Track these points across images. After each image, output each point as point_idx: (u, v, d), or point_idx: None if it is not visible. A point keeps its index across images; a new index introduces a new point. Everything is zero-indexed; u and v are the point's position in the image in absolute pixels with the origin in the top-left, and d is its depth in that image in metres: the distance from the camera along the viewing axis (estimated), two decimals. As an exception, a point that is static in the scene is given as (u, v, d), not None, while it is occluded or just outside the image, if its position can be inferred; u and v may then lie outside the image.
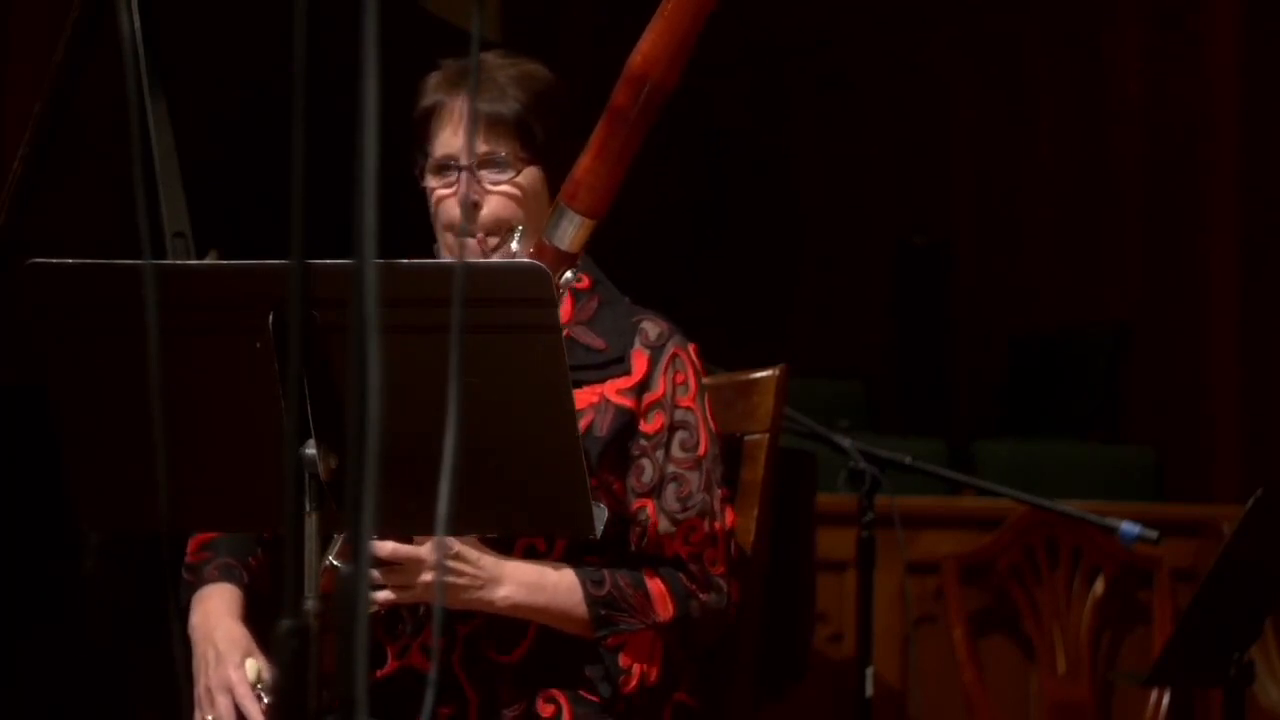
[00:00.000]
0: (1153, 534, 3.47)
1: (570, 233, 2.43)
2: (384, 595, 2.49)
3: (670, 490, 2.64)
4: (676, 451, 2.65)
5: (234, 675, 2.55)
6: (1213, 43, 6.63)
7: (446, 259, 2.65)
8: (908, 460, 3.76)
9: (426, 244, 2.70)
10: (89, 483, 2.31)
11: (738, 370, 2.95)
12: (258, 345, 2.18)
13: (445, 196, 2.64)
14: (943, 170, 7.67)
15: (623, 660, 2.62)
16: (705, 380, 2.74)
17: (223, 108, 3.55)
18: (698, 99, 7.02)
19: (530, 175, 2.63)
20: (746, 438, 2.87)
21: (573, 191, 2.43)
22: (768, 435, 2.85)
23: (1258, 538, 3.42)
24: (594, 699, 2.61)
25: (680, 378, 2.67)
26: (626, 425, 2.63)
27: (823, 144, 8.09)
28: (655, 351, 2.67)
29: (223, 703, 2.55)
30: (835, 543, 4.39)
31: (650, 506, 2.63)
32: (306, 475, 2.17)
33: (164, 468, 2.19)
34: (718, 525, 2.66)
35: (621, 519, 2.64)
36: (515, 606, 2.55)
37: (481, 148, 2.62)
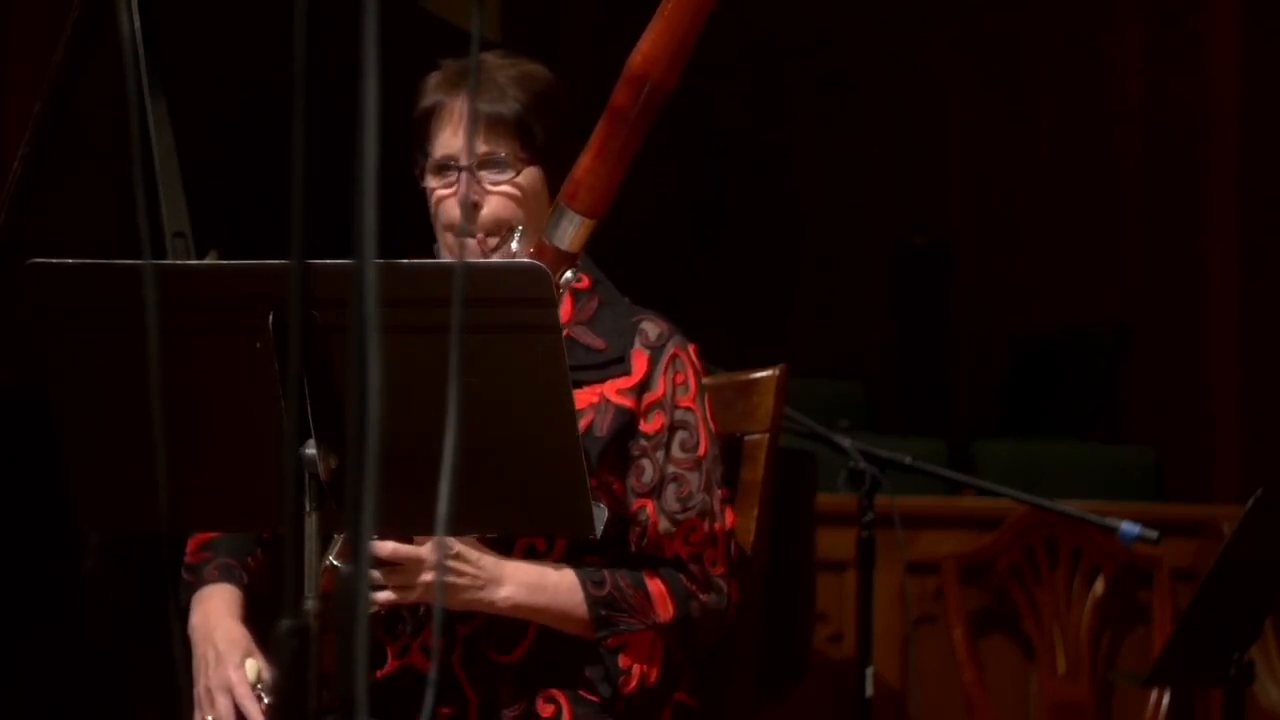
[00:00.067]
0: (1153, 534, 3.47)
1: (570, 232, 2.43)
2: (384, 595, 2.49)
3: (670, 490, 2.64)
4: (676, 452, 2.65)
5: (234, 675, 2.55)
6: (1213, 43, 6.63)
7: (446, 259, 2.65)
8: (908, 460, 3.76)
9: (426, 244, 2.70)
10: (89, 483, 2.31)
11: (738, 370, 2.95)
12: (258, 345, 2.18)
13: (445, 197, 2.64)
14: (943, 170, 7.67)
15: (623, 661, 2.62)
16: (705, 380, 2.74)
17: (223, 108, 3.55)
18: (698, 99, 7.02)
19: (530, 175, 2.63)
20: (746, 438, 2.87)
21: (573, 191, 2.43)
22: (768, 435, 2.85)
23: (1258, 538, 3.42)
24: (594, 699, 2.61)
25: (680, 378, 2.67)
26: (626, 425, 2.63)
27: (823, 144, 8.09)
28: (655, 352, 2.67)
29: (223, 703, 2.55)
30: (835, 543, 4.39)
31: (650, 507, 2.63)
32: (306, 475, 2.17)
33: (164, 468, 2.19)
34: (718, 526, 2.66)
35: (621, 519, 2.64)
36: (516, 607, 2.55)
37: (481, 148, 2.62)
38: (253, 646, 2.59)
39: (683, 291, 6.74)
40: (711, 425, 2.69)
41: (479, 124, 2.61)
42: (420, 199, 2.67)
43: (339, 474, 2.17)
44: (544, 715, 2.59)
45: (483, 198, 2.62)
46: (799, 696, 4.32)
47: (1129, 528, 3.48)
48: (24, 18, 5.71)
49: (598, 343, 2.66)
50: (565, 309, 2.64)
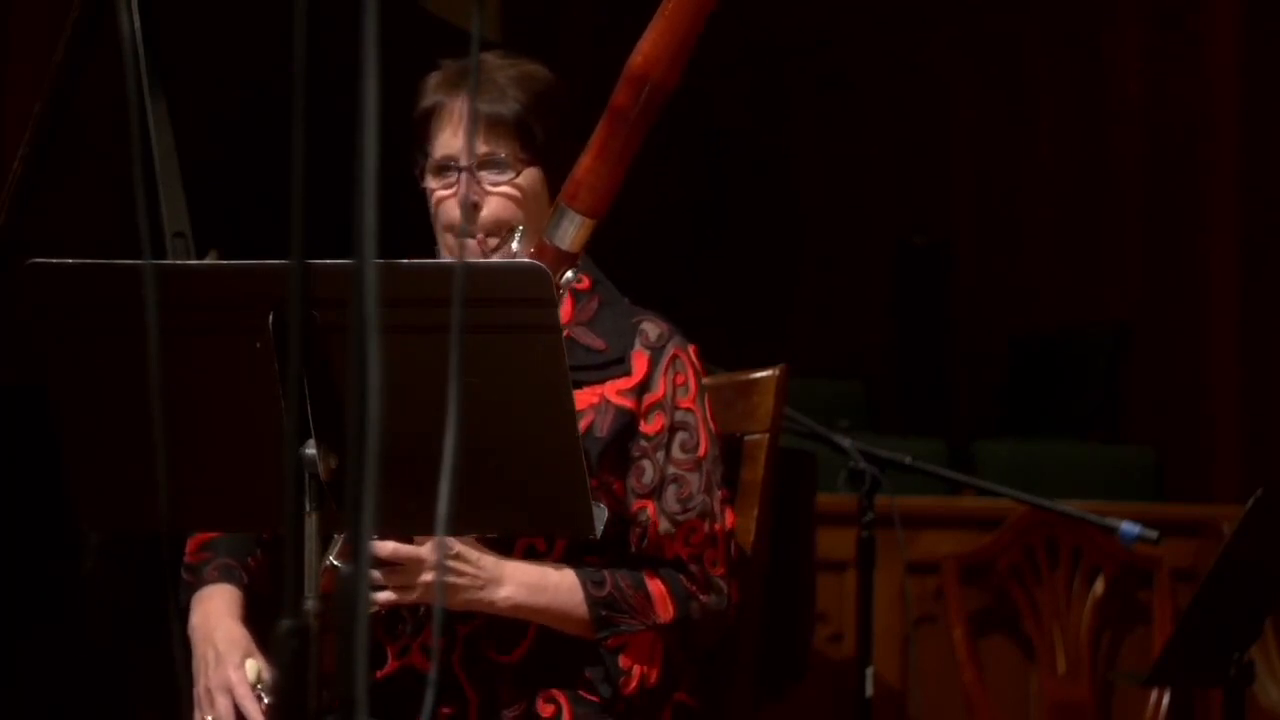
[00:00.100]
0: (1153, 534, 3.47)
1: (571, 233, 2.43)
2: (385, 596, 2.49)
3: (670, 491, 2.64)
4: (677, 453, 2.65)
5: (234, 676, 2.55)
6: (1213, 43, 6.63)
7: (447, 259, 2.65)
8: (908, 460, 3.76)
9: (427, 244, 2.70)
10: (89, 483, 2.31)
11: (738, 370, 2.95)
12: (258, 345, 2.18)
13: (445, 197, 2.64)
14: (943, 170, 7.67)
15: (623, 661, 2.62)
16: (705, 380, 2.74)
17: (222, 108, 3.55)
18: (698, 99, 7.02)
19: (530, 176, 2.63)
20: (746, 438, 2.87)
21: (573, 191, 2.43)
22: (768, 435, 2.85)
23: (1258, 538, 3.42)
24: (594, 699, 2.61)
25: (680, 379, 2.67)
26: (627, 426, 2.63)
27: (823, 144, 8.09)
28: (655, 352, 2.66)
29: (222, 703, 2.55)
30: (835, 543, 4.39)
31: (650, 507, 2.63)
32: (306, 475, 2.17)
33: (164, 468, 2.19)
34: (718, 526, 2.66)
35: (621, 520, 2.64)
36: (516, 607, 2.55)
37: (481, 148, 2.62)
38: (253, 647, 2.59)
39: (683, 291, 6.74)
40: (712, 426, 2.69)
41: (479, 124, 2.61)
42: (420, 199, 2.67)
43: (339, 474, 2.17)
44: (544, 715, 2.59)
45: (483, 198, 2.62)
46: (799, 696, 4.32)
47: (1129, 528, 3.48)
48: (24, 18, 5.71)
49: (598, 343, 2.66)
50: (565, 309, 2.64)
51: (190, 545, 2.70)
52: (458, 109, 2.62)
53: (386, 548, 2.47)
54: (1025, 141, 7.35)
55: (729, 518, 2.69)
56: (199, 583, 2.66)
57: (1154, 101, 6.84)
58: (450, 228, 2.64)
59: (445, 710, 2.59)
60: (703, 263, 8.19)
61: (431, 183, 2.65)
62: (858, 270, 7.90)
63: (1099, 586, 4.78)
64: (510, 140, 2.61)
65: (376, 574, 2.47)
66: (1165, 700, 4.70)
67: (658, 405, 2.65)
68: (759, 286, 8.15)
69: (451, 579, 2.51)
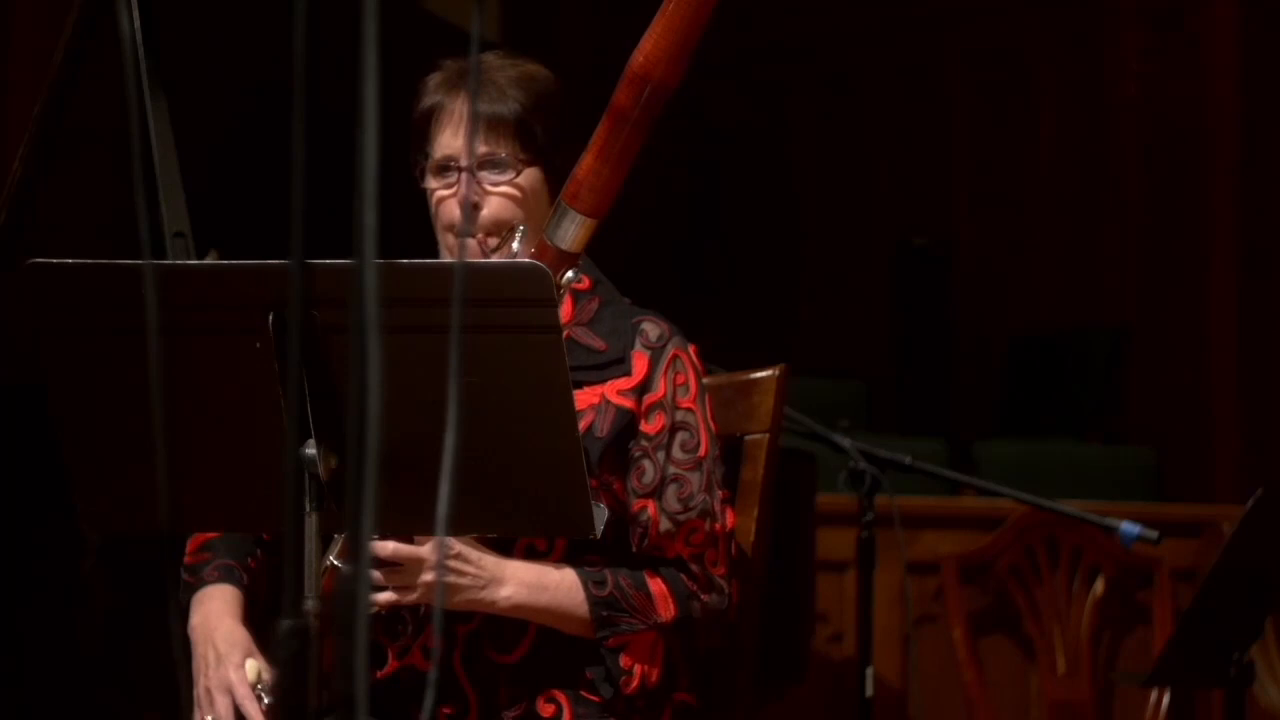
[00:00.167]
0: (1153, 534, 3.47)
1: (572, 232, 2.43)
2: (385, 596, 2.49)
3: (671, 491, 2.64)
4: (677, 452, 2.65)
5: (234, 676, 2.55)
6: (1213, 43, 6.63)
7: (447, 259, 2.65)
8: (908, 460, 3.76)
9: (426, 244, 2.70)
10: (89, 483, 2.31)
11: (738, 370, 2.95)
12: (258, 345, 2.18)
13: (445, 197, 2.64)
14: (943, 170, 7.68)
15: (624, 661, 2.62)
16: (705, 380, 2.73)
17: (223, 107, 3.55)
18: (698, 99, 7.02)
19: (530, 176, 2.63)
20: (746, 438, 2.87)
21: (574, 191, 2.42)
22: (768, 435, 2.85)
23: (1258, 538, 3.42)
24: (595, 699, 2.61)
25: (681, 379, 2.67)
26: (627, 426, 2.63)
27: (823, 144, 8.09)
28: (656, 352, 2.66)
29: (222, 703, 2.55)
30: (835, 543, 4.39)
31: (651, 507, 2.63)
32: (306, 475, 2.17)
33: (164, 468, 2.19)
34: (718, 526, 2.66)
35: (622, 520, 2.64)
36: (517, 607, 2.55)
37: (481, 149, 2.62)
38: (253, 647, 2.59)
39: (683, 291, 6.74)
40: (712, 426, 2.69)
41: (479, 125, 2.61)
42: (420, 199, 2.67)
43: (339, 474, 2.16)
44: (544, 715, 2.59)
45: (483, 198, 2.62)
46: (799, 696, 4.32)
47: (1129, 528, 3.48)
48: (24, 18, 5.71)
49: (598, 343, 2.66)
50: (565, 310, 2.64)
51: (190, 545, 2.70)
52: (458, 109, 2.62)
53: (387, 548, 2.47)
54: (1025, 142, 7.35)
55: (730, 517, 2.69)
56: (199, 583, 2.66)
57: (1154, 102, 6.84)
58: (450, 228, 2.64)
59: (445, 710, 2.59)
60: (703, 263, 8.19)
61: (432, 183, 2.65)
62: (858, 270, 7.90)
63: (1099, 586, 4.78)
64: (510, 140, 2.61)
65: (377, 574, 2.47)
66: (1165, 700, 4.70)
67: (658, 405, 2.65)
68: (759, 286, 8.16)
69: (452, 579, 2.51)
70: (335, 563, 2.39)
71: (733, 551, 2.70)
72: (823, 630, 4.67)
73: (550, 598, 2.57)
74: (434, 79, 2.68)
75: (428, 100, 2.66)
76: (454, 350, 1.99)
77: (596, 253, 2.60)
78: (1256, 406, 6.50)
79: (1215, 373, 6.58)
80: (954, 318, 7.58)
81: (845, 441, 3.76)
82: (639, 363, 2.65)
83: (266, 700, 2.54)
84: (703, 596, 2.64)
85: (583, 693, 2.61)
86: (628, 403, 2.63)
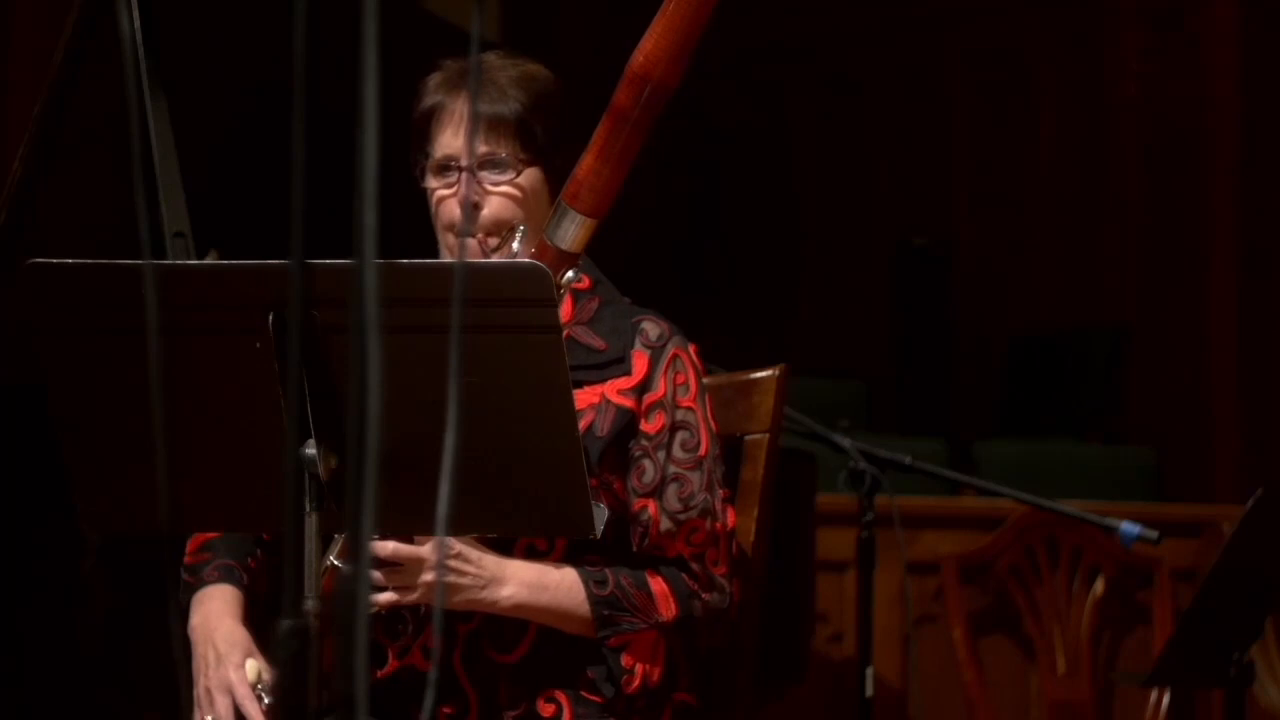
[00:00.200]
0: (1153, 534, 3.47)
1: (572, 232, 2.43)
2: (386, 597, 2.49)
3: (672, 490, 2.64)
4: (678, 452, 2.65)
5: (234, 676, 2.55)
6: (1213, 43, 6.63)
7: (447, 259, 2.65)
8: (908, 460, 3.76)
9: (426, 244, 2.70)
10: (89, 484, 2.31)
11: (738, 370, 2.95)
12: (258, 345, 2.18)
13: (446, 197, 2.64)
14: (943, 170, 7.68)
15: (626, 660, 2.62)
16: (705, 380, 2.73)
17: (223, 107, 3.55)
18: (698, 99, 7.02)
19: (530, 176, 2.63)
20: (746, 438, 2.87)
21: (575, 191, 2.43)
22: (768, 435, 2.85)
23: (1258, 538, 3.42)
24: (596, 699, 2.61)
25: (681, 378, 2.67)
26: (627, 425, 2.63)
27: (823, 144, 8.09)
28: (656, 352, 2.66)
29: (222, 703, 2.55)
30: (835, 543, 4.39)
31: (652, 506, 2.63)
32: (306, 475, 2.17)
33: (164, 468, 2.19)
34: (719, 525, 2.66)
35: (622, 519, 2.64)
36: (518, 606, 2.55)
37: (482, 148, 2.62)
38: (253, 647, 2.59)
39: (683, 291, 6.74)
40: (712, 425, 2.69)
41: (479, 125, 2.61)
42: (420, 199, 2.67)
43: (339, 474, 2.16)
44: (545, 715, 2.59)
45: (483, 198, 2.62)
46: (799, 696, 4.32)
47: (1129, 528, 3.48)
48: (24, 18, 5.71)
49: (598, 343, 2.66)
50: (565, 309, 2.64)
51: (190, 545, 2.70)
52: (458, 109, 2.62)
53: (387, 548, 2.47)
54: (1025, 142, 7.35)
55: (730, 516, 2.69)
56: (199, 583, 2.66)
57: (1154, 102, 6.84)
58: (451, 227, 2.64)
59: (446, 710, 2.59)
60: (703, 263, 8.19)
61: (432, 182, 2.65)
62: (858, 270, 7.90)
63: (1099, 586, 4.78)
64: (511, 140, 2.61)
65: (377, 574, 2.47)
66: (1165, 700, 4.70)
67: (658, 404, 2.65)
68: (759, 286, 8.16)
69: (453, 579, 2.51)
70: (335, 563, 2.39)
71: (734, 551, 2.70)
72: (823, 630, 4.67)
73: (551, 597, 2.57)
74: (434, 79, 2.68)
75: (428, 100, 2.66)
76: (454, 350, 1.99)
77: (596, 253, 2.60)
78: (1256, 406, 6.50)
79: (1215, 373, 6.58)
80: (954, 318, 7.58)
81: (845, 441, 3.76)
82: (639, 362, 2.65)
83: (266, 700, 2.54)
84: (704, 595, 2.64)
85: (583, 693, 2.61)
86: (628, 402, 2.63)
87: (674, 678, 2.68)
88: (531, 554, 2.60)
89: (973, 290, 7.52)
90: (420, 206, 2.67)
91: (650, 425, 2.64)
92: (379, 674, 2.62)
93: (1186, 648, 3.49)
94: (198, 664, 2.59)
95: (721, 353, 3.26)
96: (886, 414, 7.19)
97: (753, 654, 2.86)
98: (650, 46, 2.38)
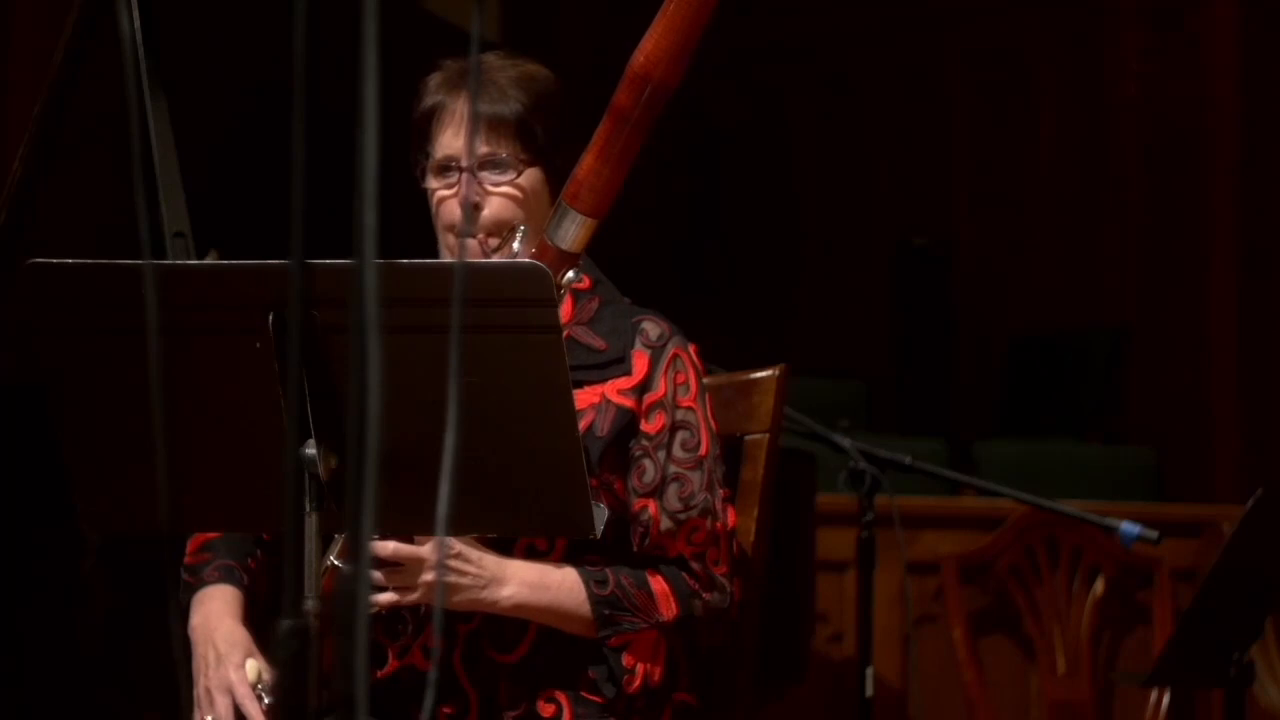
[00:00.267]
0: (1153, 534, 3.47)
1: (572, 232, 2.43)
2: (386, 597, 2.49)
3: (672, 490, 2.64)
4: (678, 451, 2.65)
5: (234, 676, 2.55)
6: (1213, 43, 6.63)
7: (447, 259, 2.65)
8: (908, 460, 3.76)
9: (427, 244, 2.70)
10: (89, 483, 2.31)
11: (738, 370, 2.96)
12: (258, 345, 2.18)
13: (446, 197, 2.64)
14: (943, 170, 7.68)
15: (626, 660, 2.62)
16: (705, 380, 2.74)
17: (223, 107, 3.55)
18: (698, 99, 7.02)
19: (531, 176, 2.63)
20: (746, 438, 2.87)
21: (575, 191, 2.43)
22: (768, 435, 2.85)
23: (1258, 538, 3.42)
24: (596, 699, 2.61)
25: (681, 378, 2.67)
26: (627, 425, 2.63)
27: (823, 144, 8.09)
28: (656, 352, 2.66)
29: (222, 703, 2.55)
30: (835, 543, 4.39)
31: (652, 506, 2.63)
32: (306, 475, 2.17)
33: (164, 468, 2.19)
34: (720, 525, 2.66)
35: (622, 519, 2.64)
36: (519, 606, 2.55)
37: (482, 149, 2.62)
38: (253, 647, 2.59)
39: (683, 291, 6.74)
40: (713, 425, 2.69)
41: (480, 125, 2.61)
42: (420, 199, 2.67)
43: (339, 474, 2.17)
44: (545, 715, 2.59)
45: (484, 198, 2.62)
46: (799, 696, 4.32)
47: (1129, 528, 3.48)
48: (24, 18, 5.71)
49: (598, 343, 2.66)
50: (566, 309, 2.64)
51: (190, 545, 2.70)
52: (459, 109, 2.62)
53: (387, 548, 2.47)
54: (1025, 142, 7.35)
55: (731, 516, 2.69)
56: (199, 583, 2.66)
57: (1154, 102, 6.84)
58: (451, 228, 2.64)
59: (446, 710, 2.59)
60: (703, 263, 8.19)
61: (432, 183, 2.65)
62: (858, 270, 7.90)
63: (1099, 586, 4.78)
64: (511, 140, 2.61)
65: (377, 574, 2.47)
66: (1165, 700, 4.70)
67: (658, 404, 2.65)
68: (759, 286, 8.16)
69: (453, 579, 2.51)
70: (335, 563, 2.39)
71: (734, 550, 2.70)
72: (823, 630, 4.67)
73: (552, 597, 2.57)
74: (434, 79, 2.68)
75: (428, 100, 2.66)
76: (454, 350, 1.99)
77: (596, 253, 2.60)
78: (1256, 406, 6.50)
79: (1215, 373, 6.58)
80: (954, 318, 7.58)
81: (845, 441, 3.76)
82: (639, 362, 2.65)
83: (266, 700, 2.54)
84: (705, 595, 2.64)
85: (583, 693, 2.61)
86: (628, 402, 2.63)
87: (675, 677, 2.68)
88: (531, 554, 2.60)
89: (973, 290, 7.52)
90: (420, 206, 2.67)
91: (650, 425, 2.64)
92: (379, 674, 2.62)
93: (1186, 648, 3.49)
94: (198, 664, 2.59)
95: (721, 353, 3.26)
96: (886, 414, 7.19)
97: (753, 654, 2.86)
98: (651, 47, 2.38)
